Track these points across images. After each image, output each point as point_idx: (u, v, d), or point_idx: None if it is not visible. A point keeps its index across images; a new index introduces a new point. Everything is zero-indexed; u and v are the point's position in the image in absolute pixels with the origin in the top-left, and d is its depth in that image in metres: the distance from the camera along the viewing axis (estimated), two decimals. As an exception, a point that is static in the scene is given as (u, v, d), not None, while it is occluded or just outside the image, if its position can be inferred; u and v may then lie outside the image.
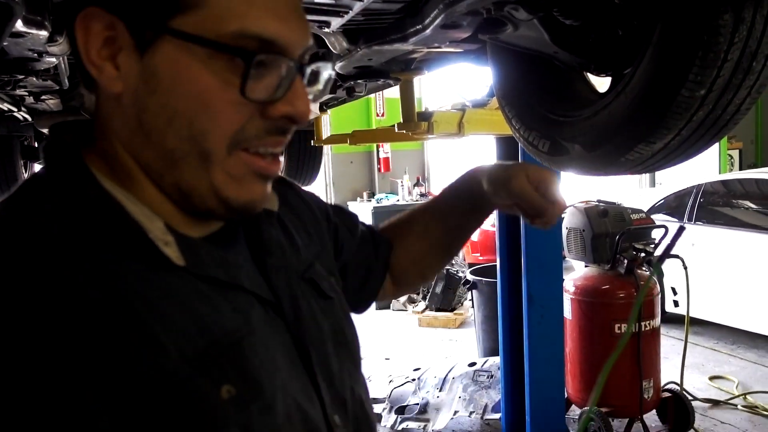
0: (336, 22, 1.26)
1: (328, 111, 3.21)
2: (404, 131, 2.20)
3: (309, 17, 1.21)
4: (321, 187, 7.70)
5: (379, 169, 8.10)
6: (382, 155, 8.02)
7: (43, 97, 2.40)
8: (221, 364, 0.56)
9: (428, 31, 1.21)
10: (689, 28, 0.96)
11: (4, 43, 1.27)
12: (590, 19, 1.18)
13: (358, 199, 7.66)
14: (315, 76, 0.64)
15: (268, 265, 0.67)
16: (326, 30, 1.32)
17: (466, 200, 0.97)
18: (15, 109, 2.73)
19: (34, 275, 0.50)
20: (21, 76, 1.81)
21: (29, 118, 2.96)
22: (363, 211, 7.18)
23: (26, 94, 2.48)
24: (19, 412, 0.46)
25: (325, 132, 3.38)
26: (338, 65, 1.78)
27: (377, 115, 7.83)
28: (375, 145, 7.82)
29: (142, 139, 0.58)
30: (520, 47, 1.34)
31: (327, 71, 0.65)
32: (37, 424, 0.47)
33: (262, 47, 0.56)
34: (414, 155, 8.31)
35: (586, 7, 1.15)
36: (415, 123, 2.15)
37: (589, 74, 1.42)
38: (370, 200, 7.56)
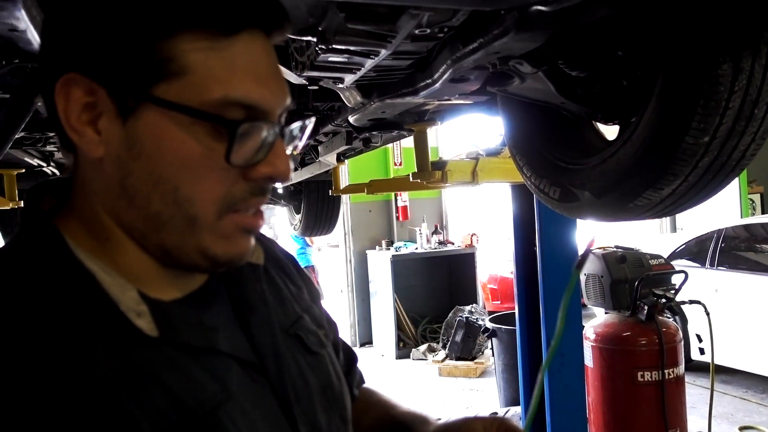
0: (349, 78, 1.31)
1: (346, 161, 3.27)
2: (419, 180, 2.24)
3: (323, 74, 1.26)
4: (339, 236, 7.73)
5: (397, 218, 8.14)
6: (400, 204, 8.07)
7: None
8: None
9: (438, 85, 1.26)
10: (690, 77, 0.99)
11: (38, 104, 1.35)
12: (595, 71, 1.22)
13: (377, 247, 7.68)
14: (294, 132, 0.64)
15: (251, 323, 0.66)
16: (340, 85, 1.38)
17: None
18: (44, 164, 2.83)
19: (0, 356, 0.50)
20: (51, 134, 1.89)
21: (57, 173, 3.06)
22: (382, 259, 7.18)
23: (55, 149, 2.58)
24: None
25: (343, 182, 3.43)
26: (353, 117, 1.84)
27: (395, 164, 7.91)
28: (393, 193, 7.88)
29: (126, 202, 0.58)
30: (528, 98, 1.38)
31: (305, 127, 0.65)
32: None
33: (245, 113, 0.56)
34: (432, 203, 8.35)
35: (591, 59, 1.19)
36: (429, 172, 2.19)
37: (597, 123, 1.45)
38: (389, 248, 7.57)
